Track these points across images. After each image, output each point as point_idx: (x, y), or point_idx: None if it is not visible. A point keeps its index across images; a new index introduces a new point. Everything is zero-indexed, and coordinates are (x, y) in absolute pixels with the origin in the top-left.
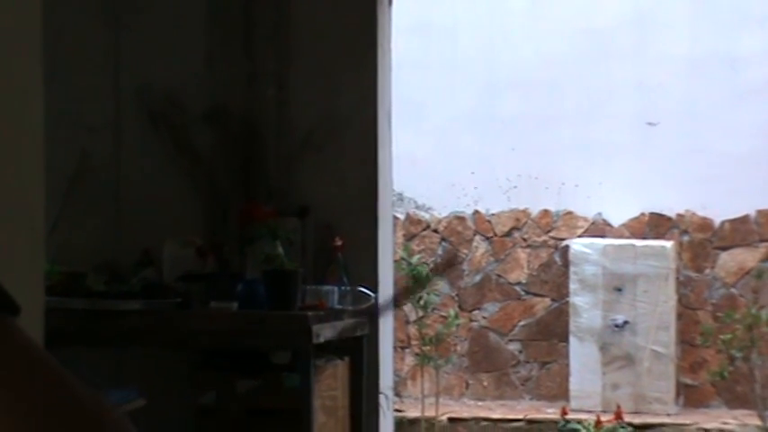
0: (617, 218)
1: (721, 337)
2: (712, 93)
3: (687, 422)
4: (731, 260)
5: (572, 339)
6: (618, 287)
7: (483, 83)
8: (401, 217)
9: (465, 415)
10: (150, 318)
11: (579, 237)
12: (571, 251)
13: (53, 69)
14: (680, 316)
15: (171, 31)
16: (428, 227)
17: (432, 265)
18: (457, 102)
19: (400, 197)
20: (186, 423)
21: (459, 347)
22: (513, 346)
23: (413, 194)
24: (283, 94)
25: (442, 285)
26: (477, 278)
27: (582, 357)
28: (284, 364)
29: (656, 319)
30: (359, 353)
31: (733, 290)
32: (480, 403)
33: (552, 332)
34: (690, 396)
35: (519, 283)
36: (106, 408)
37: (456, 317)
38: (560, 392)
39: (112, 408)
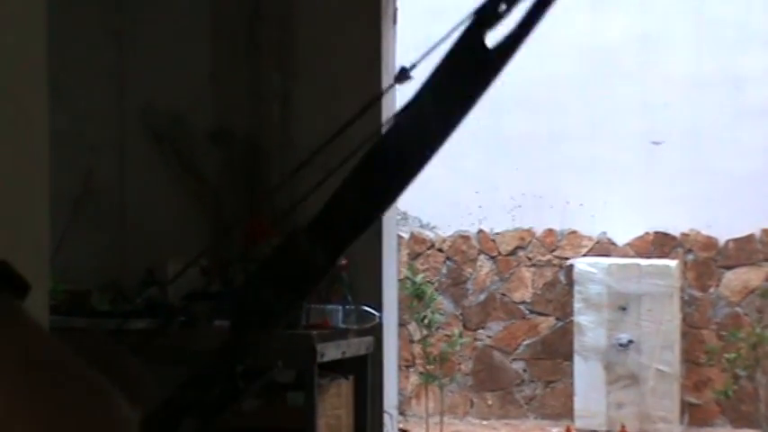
0: (621, 237)
1: (726, 355)
2: (717, 112)
3: None
4: (736, 279)
5: (576, 358)
6: (622, 306)
7: (487, 102)
8: (405, 236)
9: None
10: (154, 337)
11: (584, 256)
12: (576, 270)
13: (57, 90)
14: (684, 335)
15: (175, 51)
16: (432, 246)
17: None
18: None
19: (405, 216)
20: None
21: (463, 366)
22: (518, 365)
23: (417, 213)
24: (288, 113)
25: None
26: (482, 297)
27: (586, 376)
28: (289, 383)
29: (660, 338)
30: (363, 372)
31: (737, 309)
32: (485, 422)
33: (557, 351)
34: (694, 415)
35: (523, 302)
36: (117, 401)
37: (460, 336)
38: (565, 411)
39: (122, 403)
